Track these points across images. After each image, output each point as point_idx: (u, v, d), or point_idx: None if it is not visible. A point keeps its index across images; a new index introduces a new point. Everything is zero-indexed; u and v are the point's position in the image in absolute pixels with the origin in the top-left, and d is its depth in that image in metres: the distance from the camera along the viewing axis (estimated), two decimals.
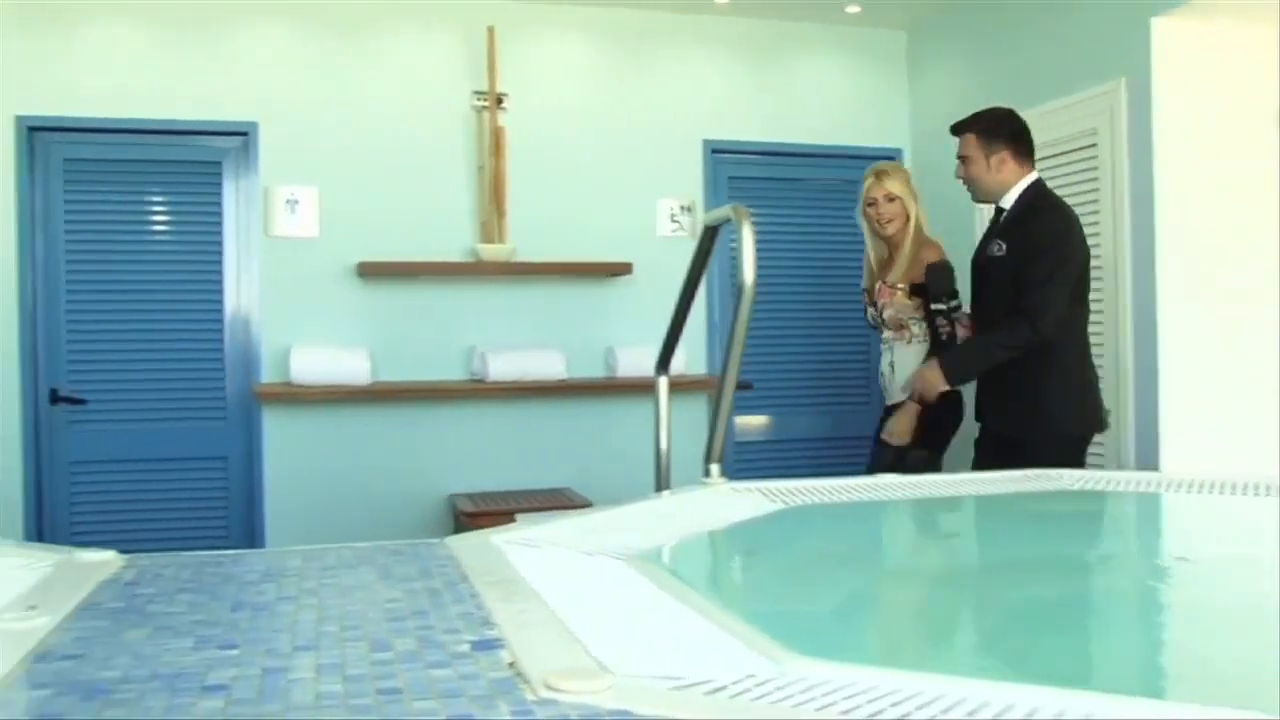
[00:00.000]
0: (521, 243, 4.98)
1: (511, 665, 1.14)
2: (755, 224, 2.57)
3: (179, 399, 4.86)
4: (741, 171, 5.55)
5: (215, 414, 4.90)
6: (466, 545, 1.83)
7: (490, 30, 4.94)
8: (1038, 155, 3.68)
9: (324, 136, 4.93)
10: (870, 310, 4.08)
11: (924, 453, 3.76)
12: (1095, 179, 4.26)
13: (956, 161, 3.67)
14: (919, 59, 5.68)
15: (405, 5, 5.02)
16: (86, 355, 4.78)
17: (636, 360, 4.98)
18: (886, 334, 3.99)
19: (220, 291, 4.88)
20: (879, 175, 3.97)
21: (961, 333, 3.74)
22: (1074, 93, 4.39)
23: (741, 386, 4.89)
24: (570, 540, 1.94)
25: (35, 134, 4.74)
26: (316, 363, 4.71)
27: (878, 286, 4.00)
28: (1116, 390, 4.11)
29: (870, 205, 3.96)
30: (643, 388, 4.81)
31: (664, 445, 3.23)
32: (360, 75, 4.99)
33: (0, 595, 1.50)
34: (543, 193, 5.07)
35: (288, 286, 4.88)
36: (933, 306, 3.73)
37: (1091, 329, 3.67)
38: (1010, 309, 3.43)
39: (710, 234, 2.95)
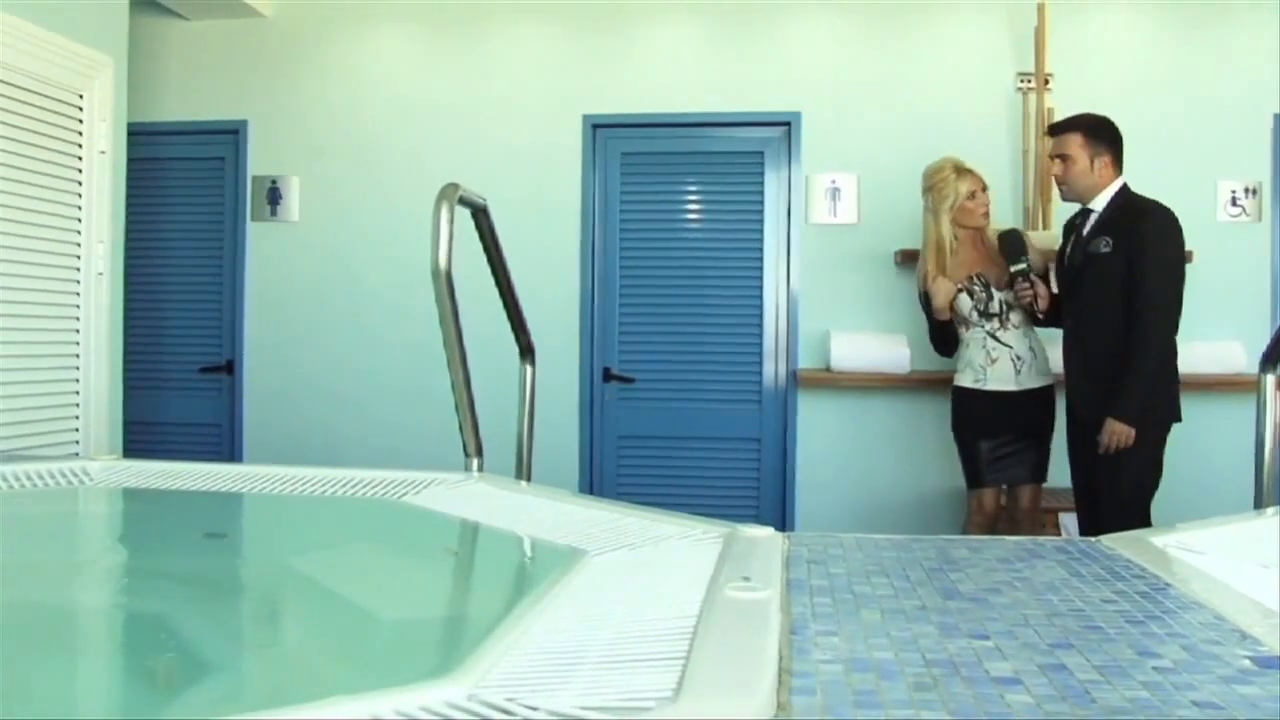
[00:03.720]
0: None
1: None
2: None
3: (717, 381, 5.07)
4: None
5: (750, 397, 5.06)
6: (1129, 545, 1.73)
7: (1041, 8, 4.73)
8: None
9: (864, 124, 4.94)
10: (996, 299, 3.98)
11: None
12: None
13: (1052, 160, 3.78)
14: None
15: None
16: (635, 337, 5.11)
17: (1209, 354, 4.55)
18: (1016, 319, 3.98)
19: (760, 278, 5.02)
20: (969, 171, 4.06)
21: (1043, 291, 3.88)
22: None
23: None
24: (1231, 549, 1.80)
25: (598, 131, 5.12)
26: (857, 349, 4.72)
27: (976, 276, 4.00)
28: None
29: (971, 199, 4.03)
30: (1210, 385, 4.46)
31: (1268, 453, 2.92)
32: (901, 62, 4.94)
33: (701, 564, 1.58)
34: None
35: (826, 273, 4.95)
36: (1013, 268, 3.86)
37: None
38: (1127, 308, 3.53)
39: None
